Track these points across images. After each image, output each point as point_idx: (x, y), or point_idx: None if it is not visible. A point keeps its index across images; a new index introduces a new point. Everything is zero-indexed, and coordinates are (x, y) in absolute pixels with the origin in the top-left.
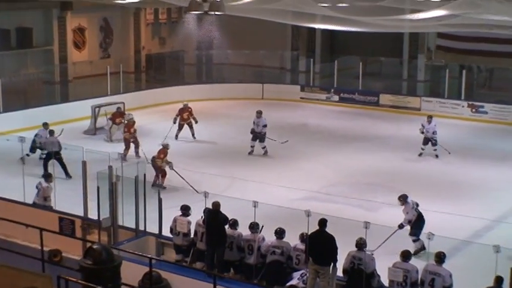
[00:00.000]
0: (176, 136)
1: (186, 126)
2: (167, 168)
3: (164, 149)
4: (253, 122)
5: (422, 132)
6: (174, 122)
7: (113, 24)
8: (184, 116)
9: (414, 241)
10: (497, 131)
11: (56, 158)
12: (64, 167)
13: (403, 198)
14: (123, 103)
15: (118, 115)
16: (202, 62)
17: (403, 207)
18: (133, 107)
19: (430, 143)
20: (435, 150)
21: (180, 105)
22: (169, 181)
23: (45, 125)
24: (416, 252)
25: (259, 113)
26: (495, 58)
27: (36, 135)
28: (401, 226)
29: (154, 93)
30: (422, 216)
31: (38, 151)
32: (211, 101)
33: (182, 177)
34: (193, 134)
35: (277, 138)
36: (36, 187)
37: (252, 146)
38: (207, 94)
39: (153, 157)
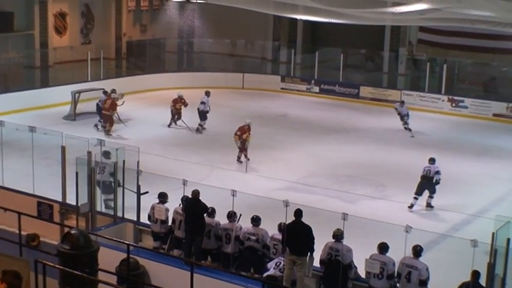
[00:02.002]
0: (170, 124)
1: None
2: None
3: (243, 127)
4: (203, 103)
5: (399, 113)
6: (172, 112)
7: (94, 10)
8: (177, 106)
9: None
10: (476, 125)
11: None
12: None
13: (432, 160)
14: (103, 89)
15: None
16: (183, 50)
17: None
18: None
19: (403, 120)
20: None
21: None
22: (146, 168)
23: (105, 92)
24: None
25: (209, 93)
26: (477, 53)
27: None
28: None
29: (135, 80)
30: (431, 182)
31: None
32: (191, 89)
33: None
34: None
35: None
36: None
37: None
38: (188, 82)
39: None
